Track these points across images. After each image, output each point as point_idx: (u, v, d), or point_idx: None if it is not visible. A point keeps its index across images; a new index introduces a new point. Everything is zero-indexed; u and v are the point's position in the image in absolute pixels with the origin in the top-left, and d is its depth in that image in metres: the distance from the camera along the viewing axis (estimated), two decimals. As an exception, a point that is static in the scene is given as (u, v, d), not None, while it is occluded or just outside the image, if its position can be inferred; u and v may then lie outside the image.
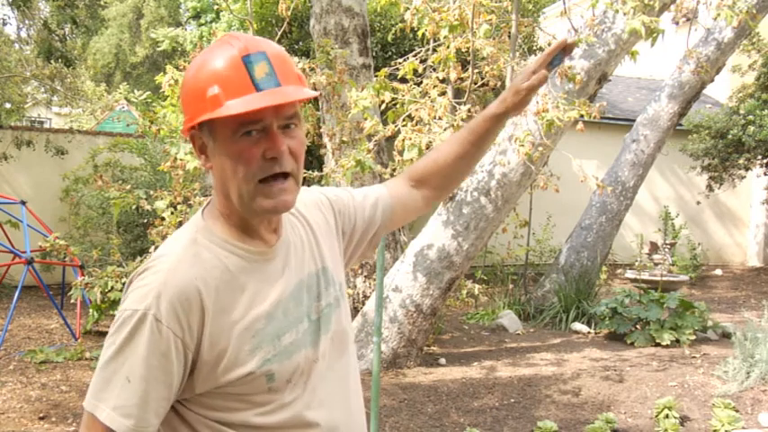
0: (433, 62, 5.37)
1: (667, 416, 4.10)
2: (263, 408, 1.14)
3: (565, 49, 1.37)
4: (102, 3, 11.20)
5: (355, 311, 5.60)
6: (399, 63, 5.27)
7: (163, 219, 4.96)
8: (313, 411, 1.18)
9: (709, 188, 10.77)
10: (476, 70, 5.58)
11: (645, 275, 7.94)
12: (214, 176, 1.16)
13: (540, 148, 5.14)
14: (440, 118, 4.80)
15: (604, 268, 8.43)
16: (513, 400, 4.71)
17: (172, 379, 1.08)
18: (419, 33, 5.05)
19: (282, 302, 1.18)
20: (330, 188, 1.44)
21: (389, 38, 6.60)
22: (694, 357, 5.76)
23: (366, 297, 5.86)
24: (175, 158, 4.62)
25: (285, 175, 1.13)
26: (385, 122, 5.17)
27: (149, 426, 1.08)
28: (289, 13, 5.11)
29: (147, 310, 1.06)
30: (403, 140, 4.61)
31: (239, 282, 1.14)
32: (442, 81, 5.32)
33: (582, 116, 4.62)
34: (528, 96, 1.39)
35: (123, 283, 5.13)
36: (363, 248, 1.45)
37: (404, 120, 4.92)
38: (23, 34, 10.66)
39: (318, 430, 1.18)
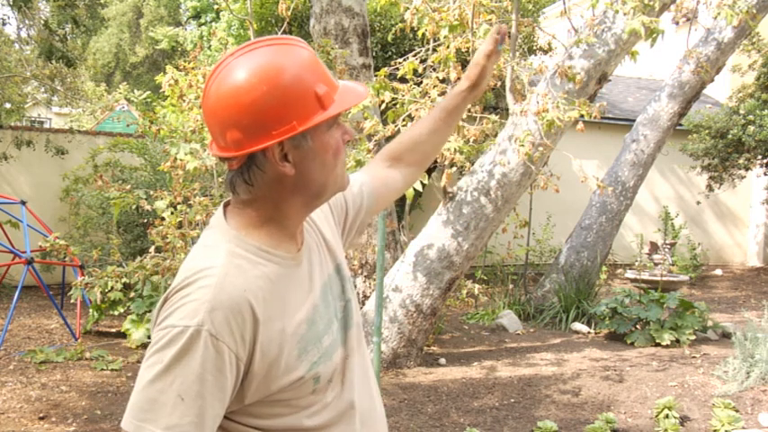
0: (433, 62, 5.37)
1: (667, 416, 4.11)
2: (307, 410, 1.16)
3: (499, 33, 1.53)
4: (102, 2, 11.18)
5: (355, 311, 5.59)
6: (399, 63, 5.27)
7: (163, 219, 4.96)
8: (350, 409, 1.23)
9: (710, 188, 10.77)
10: (476, 70, 5.57)
11: (645, 275, 7.94)
12: (294, 180, 1.13)
13: (540, 148, 5.14)
14: (440, 118, 4.79)
15: (604, 268, 8.43)
16: (513, 400, 4.71)
17: (226, 395, 1.06)
18: (419, 33, 5.05)
19: (316, 306, 1.20)
20: None
21: (389, 38, 6.59)
22: (694, 357, 5.76)
23: (366, 297, 5.86)
24: (175, 158, 4.62)
25: None
26: (385, 122, 5.17)
27: None
28: (289, 13, 5.11)
29: (200, 325, 1.02)
30: (403, 140, 4.61)
31: (279, 289, 1.14)
32: (442, 81, 5.32)
33: (582, 116, 4.62)
34: (487, 64, 1.52)
35: (123, 284, 5.13)
36: (353, 236, 1.49)
37: (404, 120, 4.92)
38: (23, 34, 10.65)
39: (354, 411, 1.23)
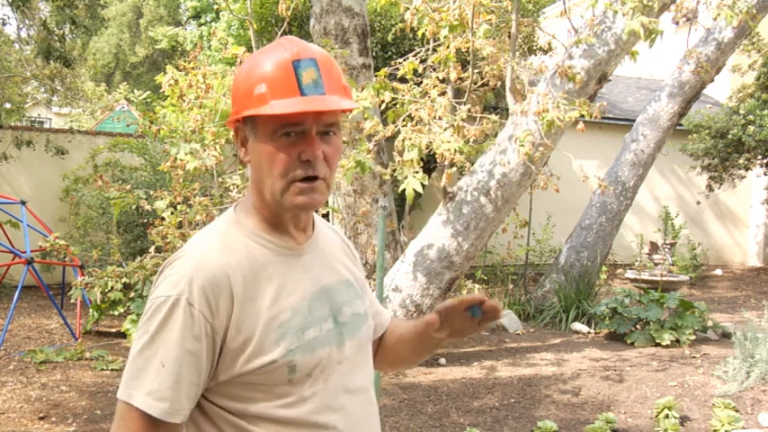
0: (433, 62, 5.37)
1: (667, 416, 4.11)
2: (282, 400, 1.17)
3: (482, 304, 1.29)
4: (101, 2, 11.18)
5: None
6: (399, 63, 5.26)
7: (163, 219, 4.96)
8: (331, 415, 1.20)
9: (710, 188, 10.77)
10: (476, 70, 5.58)
11: (645, 275, 7.94)
12: (251, 170, 1.22)
13: (541, 148, 5.13)
14: (440, 118, 4.80)
15: (604, 268, 8.42)
16: (513, 400, 4.71)
17: (202, 363, 1.12)
18: (419, 33, 5.05)
19: (308, 299, 1.22)
20: None
21: (389, 38, 6.59)
22: (694, 357, 5.76)
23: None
24: (175, 158, 4.62)
25: (316, 178, 1.17)
26: (385, 122, 5.17)
27: (183, 409, 1.11)
28: (289, 13, 5.11)
29: (180, 295, 1.11)
30: (403, 140, 4.61)
31: (267, 272, 1.18)
32: (442, 81, 5.31)
33: (582, 116, 4.62)
34: (453, 314, 1.30)
35: (123, 284, 5.13)
36: None
37: (404, 120, 4.92)
38: (23, 34, 10.66)
39: (333, 415, 1.21)
